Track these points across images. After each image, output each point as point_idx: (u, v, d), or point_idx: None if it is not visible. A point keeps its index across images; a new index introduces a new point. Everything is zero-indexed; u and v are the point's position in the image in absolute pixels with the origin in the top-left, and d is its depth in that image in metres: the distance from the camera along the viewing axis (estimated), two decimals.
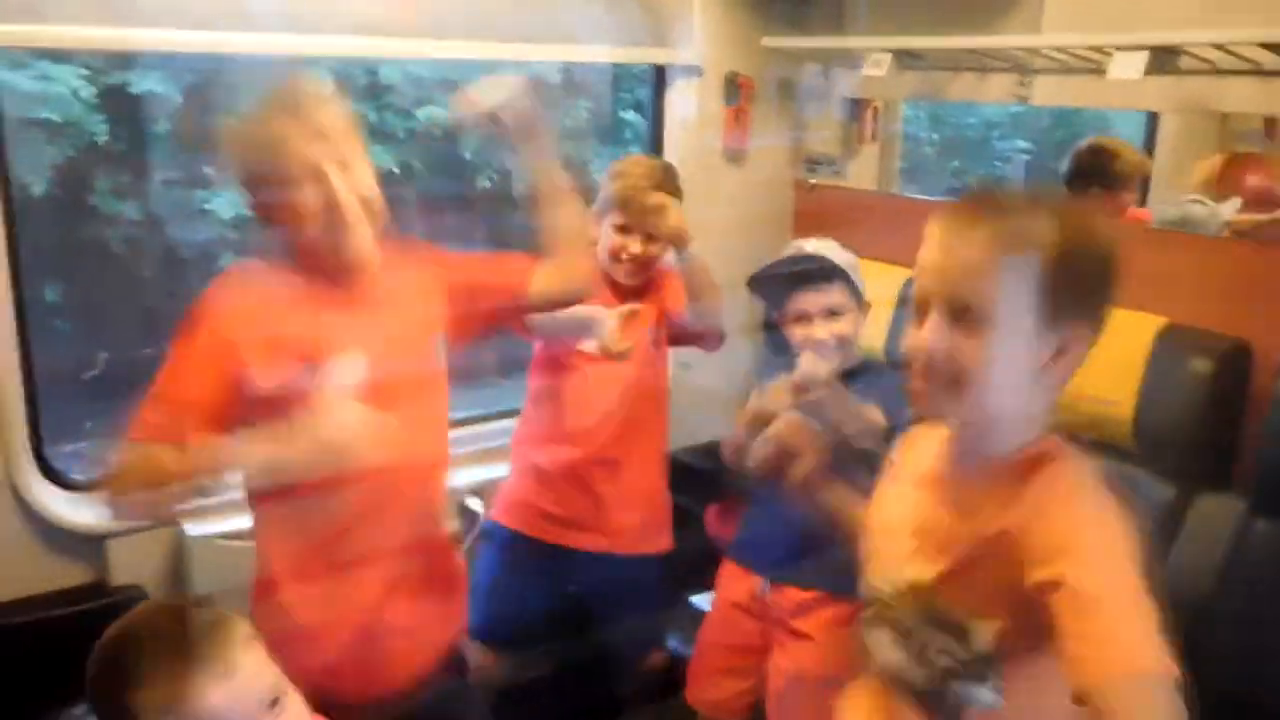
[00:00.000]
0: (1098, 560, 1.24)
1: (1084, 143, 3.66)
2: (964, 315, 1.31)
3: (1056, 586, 1.19)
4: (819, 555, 1.92)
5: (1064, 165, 3.67)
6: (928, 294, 1.35)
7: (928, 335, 1.34)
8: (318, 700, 1.65)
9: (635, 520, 2.78)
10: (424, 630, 2.12)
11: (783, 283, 2.40)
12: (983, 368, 1.31)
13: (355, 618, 2.00)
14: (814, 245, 2.44)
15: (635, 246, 2.66)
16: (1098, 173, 3.48)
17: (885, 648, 1.44)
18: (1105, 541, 1.27)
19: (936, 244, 1.36)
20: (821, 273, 2.36)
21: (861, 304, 2.40)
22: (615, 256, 2.68)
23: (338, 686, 1.82)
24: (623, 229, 2.66)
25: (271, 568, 2.03)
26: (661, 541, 2.84)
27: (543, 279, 2.21)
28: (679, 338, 2.82)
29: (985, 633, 1.32)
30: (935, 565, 1.39)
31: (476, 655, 2.62)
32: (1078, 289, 1.34)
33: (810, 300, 2.36)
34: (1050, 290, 1.30)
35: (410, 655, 2.10)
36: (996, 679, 1.32)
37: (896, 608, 1.43)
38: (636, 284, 2.74)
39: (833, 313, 2.36)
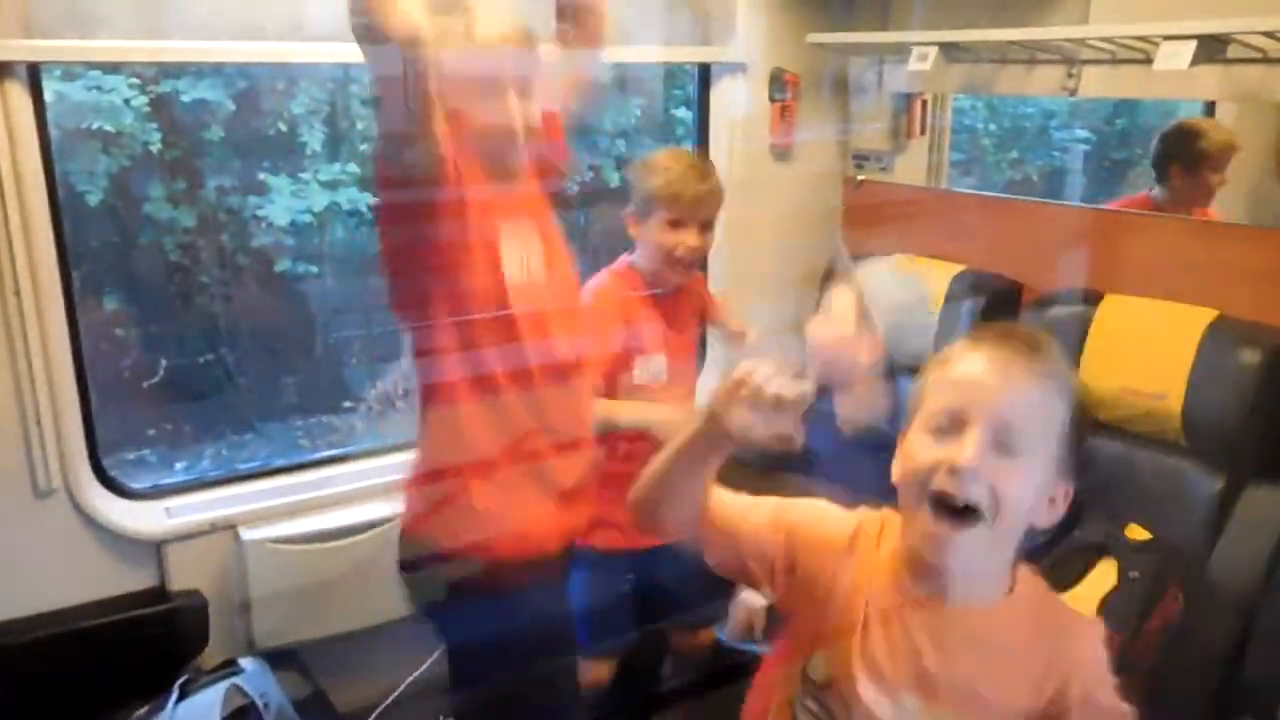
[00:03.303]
0: None
1: (1171, 123, 3.60)
2: (1008, 439, 1.30)
3: None
4: None
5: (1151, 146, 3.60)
6: (969, 411, 1.32)
7: (970, 451, 1.29)
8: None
9: None
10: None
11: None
12: (1016, 494, 1.30)
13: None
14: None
15: (692, 239, 2.61)
16: (1180, 153, 3.42)
17: None
18: None
19: (985, 364, 1.35)
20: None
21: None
22: (671, 254, 2.63)
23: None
24: (676, 224, 2.60)
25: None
26: None
27: None
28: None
29: None
30: (921, 700, 1.37)
31: (588, 671, 2.62)
32: (1081, 439, 1.38)
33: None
34: (1070, 435, 1.34)
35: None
36: None
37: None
38: (679, 284, 2.72)
39: None
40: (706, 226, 2.64)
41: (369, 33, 1.76)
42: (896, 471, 1.38)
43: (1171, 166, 3.27)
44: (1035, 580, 1.44)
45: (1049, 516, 1.37)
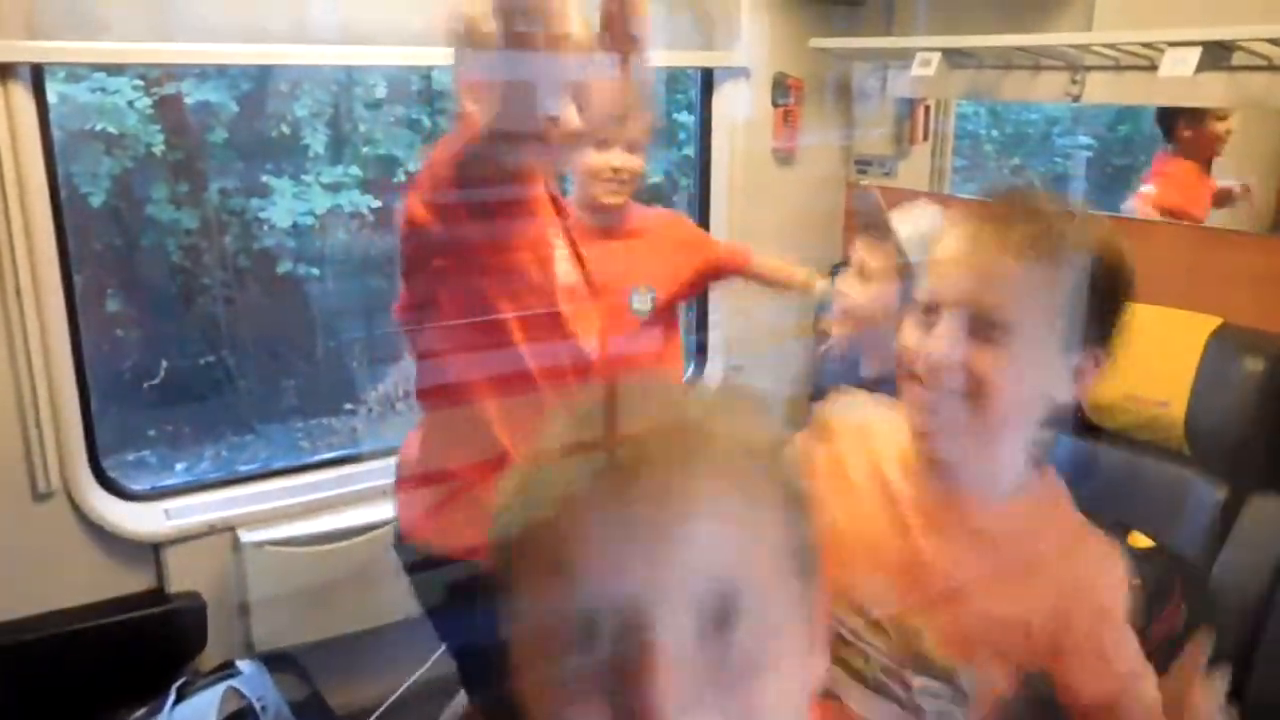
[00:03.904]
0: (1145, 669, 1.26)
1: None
2: (986, 324, 1.20)
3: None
4: None
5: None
6: (941, 296, 1.23)
7: (939, 342, 1.22)
8: None
9: None
10: None
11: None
12: (1002, 380, 1.20)
13: None
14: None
15: (616, 160, 2.55)
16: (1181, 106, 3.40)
17: (855, 690, 1.34)
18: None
19: (961, 242, 1.24)
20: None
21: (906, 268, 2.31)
22: (598, 176, 2.56)
23: None
24: (601, 144, 2.53)
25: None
26: None
27: None
28: None
29: (973, 678, 1.27)
30: (926, 613, 1.29)
31: None
32: (1104, 307, 1.23)
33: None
34: (1078, 306, 1.20)
35: None
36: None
37: (871, 647, 1.31)
38: (614, 206, 2.64)
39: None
40: (633, 147, 2.58)
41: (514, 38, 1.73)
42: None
43: (1178, 121, 3.27)
44: (1058, 489, 1.35)
45: (1077, 390, 1.26)
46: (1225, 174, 3.04)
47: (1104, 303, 1.22)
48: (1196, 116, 3.20)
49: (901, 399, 1.30)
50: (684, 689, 0.64)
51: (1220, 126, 3.20)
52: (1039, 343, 1.20)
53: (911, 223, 2.25)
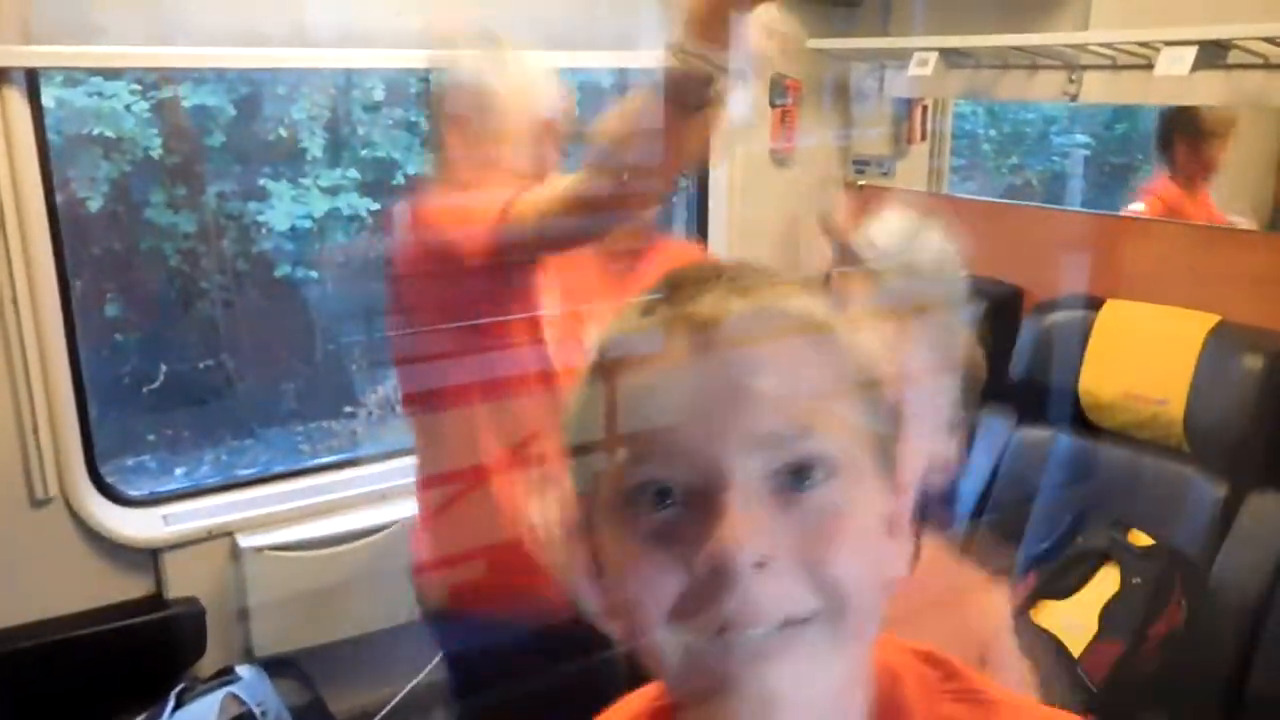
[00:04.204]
0: None
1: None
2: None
3: None
4: None
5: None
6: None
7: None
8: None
9: None
10: None
11: None
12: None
13: None
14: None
15: None
16: (1182, 125, 3.40)
17: None
18: None
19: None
20: None
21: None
22: None
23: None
24: None
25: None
26: None
27: None
28: None
29: None
30: None
31: None
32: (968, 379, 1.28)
33: None
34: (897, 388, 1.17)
35: None
36: None
37: None
38: None
39: None
40: None
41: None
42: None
43: (1176, 139, 3.27)
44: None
45: (934, 488, 1.19)
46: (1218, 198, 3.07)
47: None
48: (1194, 141, 3.22)
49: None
50: (758, 542, 0.62)
51: (1217, 151, 3.21)
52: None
53: (885, 232, 2.21)
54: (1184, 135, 3.29)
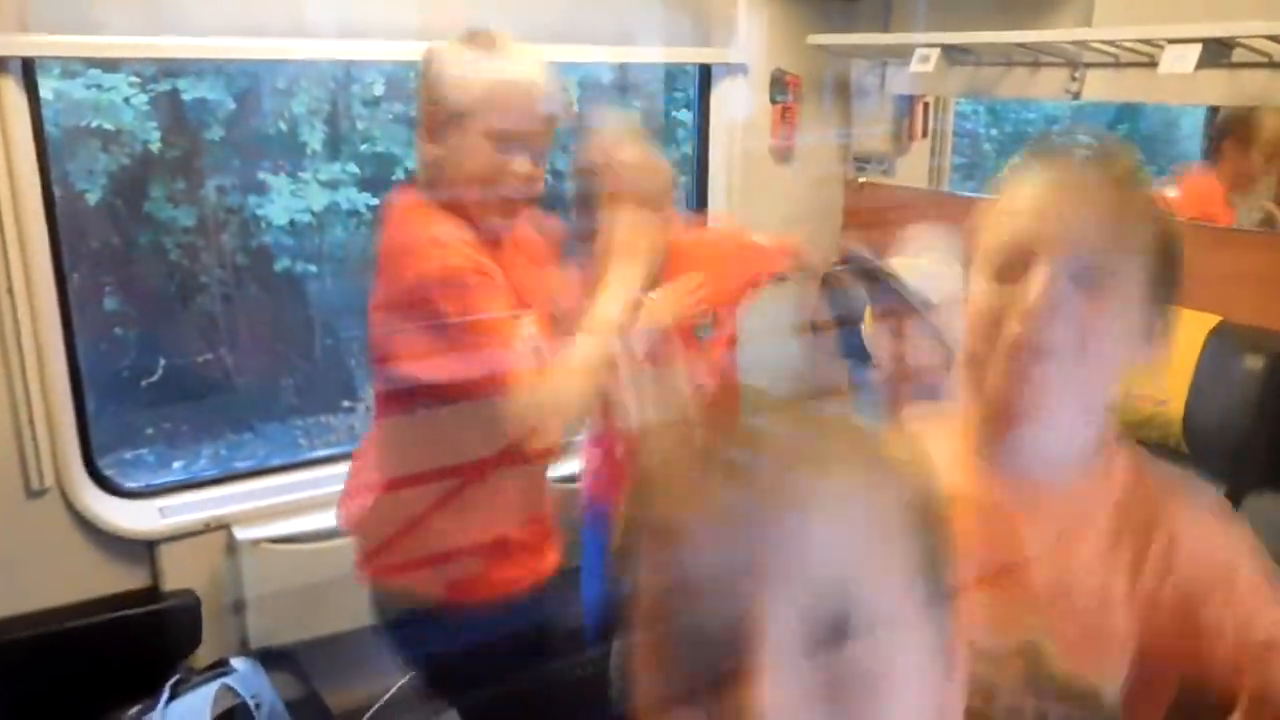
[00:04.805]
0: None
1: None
2: (1090, 271, 1.07)
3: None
4: None
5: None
6: (1034, 244, 1.08)
7: (1041, 294, 1.06)
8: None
9: None
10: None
11: None
12: (1104, 329, 1.09)
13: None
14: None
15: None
16: (1237, 128, 3.37)
17: None
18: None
19: (1048, 189, 1.11)
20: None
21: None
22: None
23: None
24: None
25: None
26: None
27: None
28: None
29: (1114, 690, 1.15)
30: (1037, 624, 1.15)
31: None
32: (1174, 271, 1.15)
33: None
34: (1160, 267, 1.12)
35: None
36: None
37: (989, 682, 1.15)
38: None
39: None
40: None
41: None
42: (963, 331, 1.15)
43: (1225, 142, 3.25)
44: (1136, 449, 1.23)
45: (1153, 350, 1.15)
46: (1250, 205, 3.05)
47: (1172, 261, 1.14)
48: (1244, 146, 3.21)
49: (965, 385, 1.17)
50: (790, 702, 0.59)
51: (1261, 164, 3.20)
52: (1135, 295, 1.10)
53: (917, 270, 2.22)
54: (1236, 138, 3.27)
